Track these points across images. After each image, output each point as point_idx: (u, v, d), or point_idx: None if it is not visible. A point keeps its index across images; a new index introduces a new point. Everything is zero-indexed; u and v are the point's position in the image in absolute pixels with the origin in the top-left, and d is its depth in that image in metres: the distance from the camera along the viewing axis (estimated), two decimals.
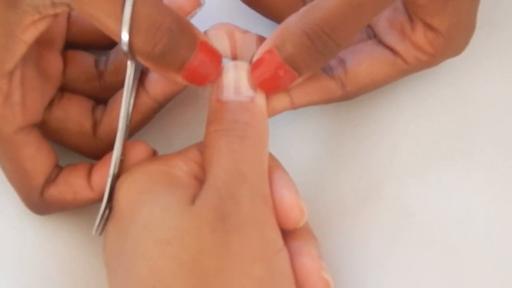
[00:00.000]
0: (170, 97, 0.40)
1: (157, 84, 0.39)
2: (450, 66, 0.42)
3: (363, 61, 0.40)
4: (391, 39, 0.40)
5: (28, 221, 0.42)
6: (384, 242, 0.41)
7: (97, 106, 0.41)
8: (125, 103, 0.37)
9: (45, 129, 0.40)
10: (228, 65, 0.38)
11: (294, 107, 0.40)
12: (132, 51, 0.35)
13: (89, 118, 0.40)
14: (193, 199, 0.35)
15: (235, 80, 0.38)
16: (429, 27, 0.39)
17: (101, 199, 0.38)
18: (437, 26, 0.39)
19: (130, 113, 0.38)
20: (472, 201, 0.42)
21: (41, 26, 0.36)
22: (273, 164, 0.38)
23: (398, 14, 0.40)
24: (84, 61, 0.41)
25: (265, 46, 0.37)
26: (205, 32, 0.39)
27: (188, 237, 0.33)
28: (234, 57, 0.39)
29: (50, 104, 0.40)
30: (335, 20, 0.36)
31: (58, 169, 0.39)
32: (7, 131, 0.37)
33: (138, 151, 0.38)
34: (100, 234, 0.38)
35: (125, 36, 0.34)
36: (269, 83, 0.37)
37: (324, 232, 0.40)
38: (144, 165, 0.37)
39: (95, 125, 0.40)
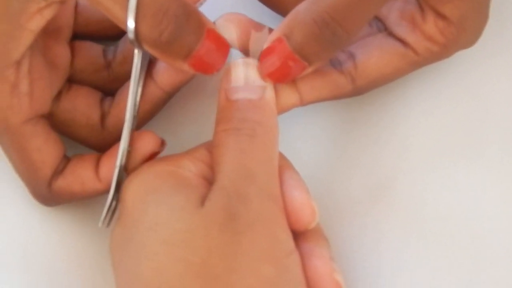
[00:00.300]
0: (178, 86, 0.39)
1: (165, 73, 0.39)
2: (460, 61, 0.42)
3: (373, 54, 0.39)
4: (402, 30, 0.39)
5: (35, 213, 0.41)
6: (396, 239, 0.41)
7: (105, 98, 0.41)
8: (132, 93, 0.37)
9: (52, 120, 0.39)
10: (237, 61, 0.38)
11: (303, 103, 0.39)
12: (138, 39, 0.35)
13: (97, 109, 0.40)
14: (202, 200, 0.34)
15: (244, 77, 0.37)
16: (440, 16, 0.38)
17: (108, 190, 0.37)
18: (448, 14, 0.38)
19: (137, 103, 0.38)
20: (484, 196, 0.41)
21: (48, 14, 0.35)
22: (284, 164, 0.37)
23: (409, 5, 0.39)
24: (92, 51, 0.41)
25: (274, 35, 0.36)
26: (215, 22, 0.38)
27: (195, 238, 0.33)
28: (242, 48, 0.39)
29: (58, 95, 0.39)
30: (345, 8, 0.35)
31: (66, 160, 0.39)
32: (15, 122, 0.37)
33: (146, 141, 0.38)
34: (108, 225, 0.38)
35: (131, 24, 0.34)
36: (278, 73, 0.37)
37: (335, 230, 0.40)
38: (151, 165, 0.36)
39: (103, 116, 0.40)
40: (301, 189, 0.36)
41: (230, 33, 0.38)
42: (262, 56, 0.37)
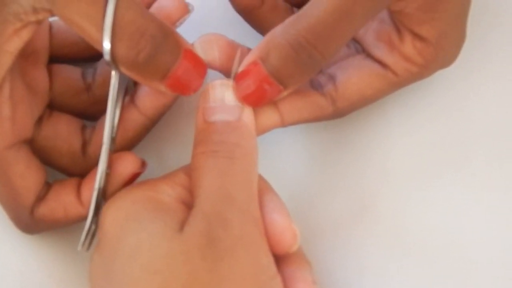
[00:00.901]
0: (160, 111, 0.39)
1: (146, 97, 0.38)
2: (438, 80, 0.42)
3: (353, 76, 0.39)
4: (380, 51, 0.39)
5: (12, 238, 0.41)
6: (379, 259, 0.41)
7: (87, 126, 0.40)
8: (110, 114, 0.37)
9: (33, 148, 0.38)
10: (214, 83, 0.37)
11: (284, 124, 0.39)
12: (115, 60, 0.34)
13: (79, 137, 0.39)
14: (182, 225, 0.34)
15: (221, 99, 0.37)
16: (417, 37, 0.38)
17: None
18: (425, 35, 0.38)
19: (115, 125, 0.37)
20: (466, 214, 0.41)
21: (25, 35, 0.35)
22: (263, 187, 0.37)
23: (385, 25, 0.39)
24: (70, 74, 0.40)
25: (249, 58, 0.36)
26: (193, 43, 0.38)
27: (176, 265, 0.32)
28: (223, 68, 0.38)
29: (39, 121, 0.39)
30: (321, 31, 0.35)
31: (47, 186, 0.38)
32: None
33: (126, 162, 0.38)
34: (87, 249, 0.37)
35: (106, 45, 0.34)
36: (254, 97, 0.36)
37: (317, 251, 0.40)
38: (129, 190, 0.36)
39: (85, 144, 0.39)
40: (282, 212, 0.36)
41: (212, 52, 0.38)
42: (237, 79, 0.36)
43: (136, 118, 0.38)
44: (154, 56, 0.34)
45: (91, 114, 0.40)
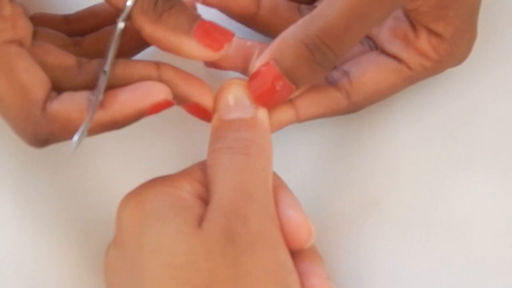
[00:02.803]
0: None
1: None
2: (448, 78, 0.43)
3: (368, 70, 0.40)
4: (395, 47, 0.40)
5: (24, 237, 0.41)
6: (389, 255, 0.41)
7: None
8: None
9: None
10: (229, 81, 0.38)
11: (300, 119, 0.39)
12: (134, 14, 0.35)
13: (71, 52, 0.37)
14: (200, 220, 0.34)
15: (236, 97, 0.37)
16: (433, 33, 0.39)
17: (115, 121, 0.35)
18: (441, 31, 0.38)
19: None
20: (474, 210, 0.42)
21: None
22: (278, 184, 0.37)
23: (400, 23, 0.40)
24: (53, 22, 0.40)
25: (262, 59, 0.36)
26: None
27: (198, 260, 0.32)
28: (234, 68, 0.39)
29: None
30: (335, 31, 0.35)
31: (56, 92, 0.36)
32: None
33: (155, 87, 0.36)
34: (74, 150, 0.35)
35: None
36: (266, 97, 0.37)
37: (328, 247, 0.40)
38: (148, 186, 0.36)
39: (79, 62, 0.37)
40: (297, 208, 0.36)
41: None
42: (250, 80, 0.37)
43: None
44: (176, 8, 0.35)
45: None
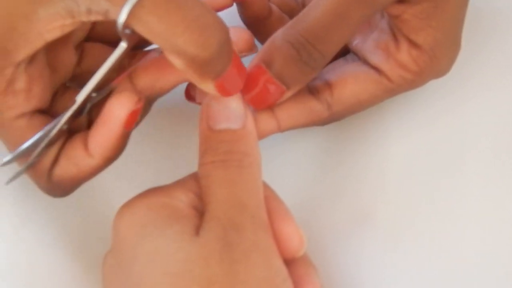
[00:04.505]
0: (156, 94, 0.38)
1: (144, 77, 0.38)
2: (436, 87, 0.43)
3: (348, 81, 0.40)
4: (376, 58, 0.40)
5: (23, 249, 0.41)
6: (378, 264, 0.42)
7: None
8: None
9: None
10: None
11: (281, 129, 0.40)
12: (179, 54, 0.33)
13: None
14: (196, 230, 0.34)
15: (226, 107, 0.38)
16: (413, 45, 0.39)
17: (104, 165, 0.37)
18: (421, 43, 0.39)
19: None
20: (464, 218, 0.43)
21: (67, 29, 0.34)
22: (269, 194, 0.38)
23: (383, 35, 0.41)
24: (102, 54, 0.40)
25: (253, 63, 0.37)
26: None
27: (195, 268, 0.33)
28: None
29: (54, 95, 0.38)
30: (319, 31, 0.36)
31: (62, 148, 0.38)
32: (9, 117, 0.36)
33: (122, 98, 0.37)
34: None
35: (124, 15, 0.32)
36: (259, 99, 0.38)
37: (319, 256, 0.41)
38: (143, 197, 0.36)
39: (89, 122, 0.39)
40: (288, 217, 0.37)
41: None
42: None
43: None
44: (218, 54, 0.33)
45: None
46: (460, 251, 0.42)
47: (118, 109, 0.36)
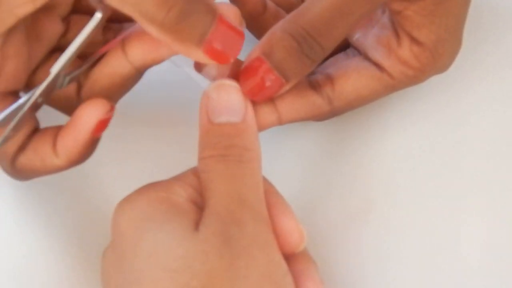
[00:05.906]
0: (149, 64, 0.38)
1: (138, 48, 0.37)
2: (436, 83, 0.43)
3: (350, 76, 0.40)
4: (378, 54, 0.40)
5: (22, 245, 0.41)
6: (378, 260, 0.42)
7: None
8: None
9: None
10: (217, 83, 0.38)
11: (281, 123, 0.40)
12: (145, 19, 0.32)
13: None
14: (195, 225, 0.34)
15: (226, 99, 0.37)
16: (415, 41, 0.39)
17: (68, 167, 0.37)
18: (423, 39, 0.39)
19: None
20: (464, 216, 0.43)
21: (39, 2, 0.34)
22: (269, 189, 0.38)
23: (385, 31, 0.41)
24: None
25: (253, 54, 0.37)
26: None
27: (196, 263, 0.33)
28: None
29: (36, 68, 0.38)
30: (320, 24, 0.36)
31: (32, 135, 0.38)
32: None
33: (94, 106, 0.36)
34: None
35: None
36: (257, 91, 0.37)
37: (319, 251, 0.40)
38: (143, 192, 0.36)
39: (79, 88, 0.38)
40: (288, 212, 0.37)
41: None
42: (241, 75, 0.37)
43: (122, 66, 0.38)
44: (187, 14, 0.32)
45: None
46: (459, 247, 0.42)
47: (88, 116, 0.36)
